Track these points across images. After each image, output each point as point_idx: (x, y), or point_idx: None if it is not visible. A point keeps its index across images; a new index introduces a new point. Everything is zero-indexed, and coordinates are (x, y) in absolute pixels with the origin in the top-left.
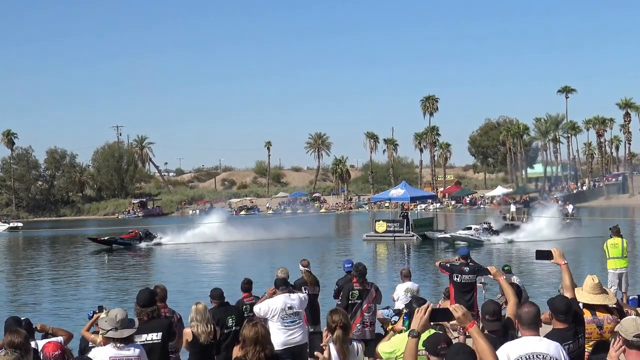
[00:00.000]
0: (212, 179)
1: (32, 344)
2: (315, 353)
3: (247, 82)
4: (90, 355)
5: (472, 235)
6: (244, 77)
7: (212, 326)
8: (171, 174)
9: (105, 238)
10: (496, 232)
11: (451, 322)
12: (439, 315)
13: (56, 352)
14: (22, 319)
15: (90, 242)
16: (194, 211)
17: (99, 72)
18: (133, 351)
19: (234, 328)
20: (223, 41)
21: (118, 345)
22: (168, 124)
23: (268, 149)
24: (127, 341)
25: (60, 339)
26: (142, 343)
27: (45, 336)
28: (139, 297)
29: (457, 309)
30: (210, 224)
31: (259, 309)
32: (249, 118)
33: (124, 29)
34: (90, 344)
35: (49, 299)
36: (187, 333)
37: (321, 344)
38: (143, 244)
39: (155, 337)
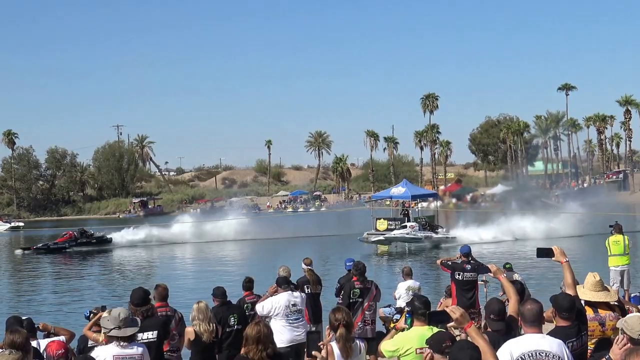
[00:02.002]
0: (212, 177)
1: (34, 343)
2: (313, 352)
3: (247, 81)
4: (93, 354)
5: (408, 234)
6: (244, 76)
7: (214, 325)
8: (172, 173)
9: (38, 246)
10: (435, 228)
11: (449, 324)
12: (437, 317)
13: (59, 351)
14: (24, 318)
15: (22, 252)
16: (194, 210)
17: (99, 72)
18: (136, 349)
19: (235, 327)
20: (223, 41)
21: (121, 344)
22: (168, 123)
23: (268, 147)
24: (130, 340)
25: (62, 338)
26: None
27: (47, 335)
28: (133, 296)
29: (455, 310)
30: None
31: (262, 307)
32: (250, 117)
33: (124, 29)
34: (90, 344)
35: (50, 298)
36: (190, 332)
37: (319, 343)
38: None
39: (151, 335)
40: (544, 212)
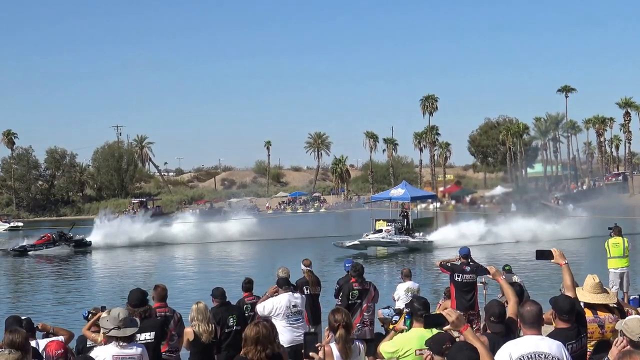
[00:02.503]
0: (211, 178)
1: (33, 343)
2: (311, 354)
3: (246, 81)
4: (92, 354)
5: (383, 238)
6: (243, 76)
7: (213, 325)
8: (171, 173)
9: (14, 247)
10: (410, 231)
11: (445, 327)
12: (433, 320)
13: (59, 351)
14: (23, 318)
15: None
16: (194, 211)
17: (99, 73)
18: (136, 350)
19: (235, 328)
20: (222, 40)
21: (121, 344)
22: (168, 123)
23: (268, 148)
24: (130, 340)
25: (61, 338)
26: None
27: (46, 335)
28: (131, 297)
29: (451, 313)
30: None
31: (263, 307)
32: (249, 117)
33: (124, 30)
34: (89, 344)
35: (49, 299)
36: (189, 332)
37: (317, 344)
38: (63, 248)
39: (148, 336)
40: (542, 214)
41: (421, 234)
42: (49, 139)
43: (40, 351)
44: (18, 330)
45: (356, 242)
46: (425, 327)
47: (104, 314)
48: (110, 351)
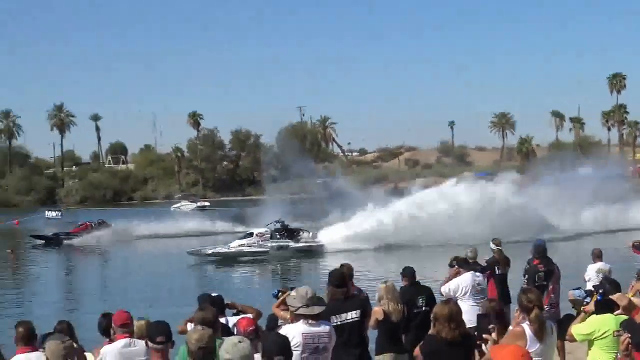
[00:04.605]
0: (395, 158)
1: (223, 320)
2: (484, 336)
3: (433, 62)
4: (282, 332)
5: (250, 247)
6: (430, 59)
7: (402, 305)
8: (355, 153)
9: (49, 234)
10: (296, 234)
11: (615, 313)
12: (604, 306)
13: (250, 328)
14: (214, 295)
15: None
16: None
17: (282, 53)
18: (324, 328)
19: (424, 308)
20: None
21: (310, 322)
22: (350, 103)
23: (452, 128)
24: (318, 318)
25: (250, 316)
26: (342, 322)
27: (236, 314)
28: (333, 277)
29: (622, 299)
30: None
31: (449, 288)
32: (432, 98)
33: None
34: (280, 322)
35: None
36: (378, 312)
37: (490, 326)
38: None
39: (355, 315)
40: None
41: (310, 234)
42: (233, 120)
43: (230, 327)
44: (209, 308)
45: (217, 250)
46: (597, 313)
47: (292, 293)
48: (300, 329)
